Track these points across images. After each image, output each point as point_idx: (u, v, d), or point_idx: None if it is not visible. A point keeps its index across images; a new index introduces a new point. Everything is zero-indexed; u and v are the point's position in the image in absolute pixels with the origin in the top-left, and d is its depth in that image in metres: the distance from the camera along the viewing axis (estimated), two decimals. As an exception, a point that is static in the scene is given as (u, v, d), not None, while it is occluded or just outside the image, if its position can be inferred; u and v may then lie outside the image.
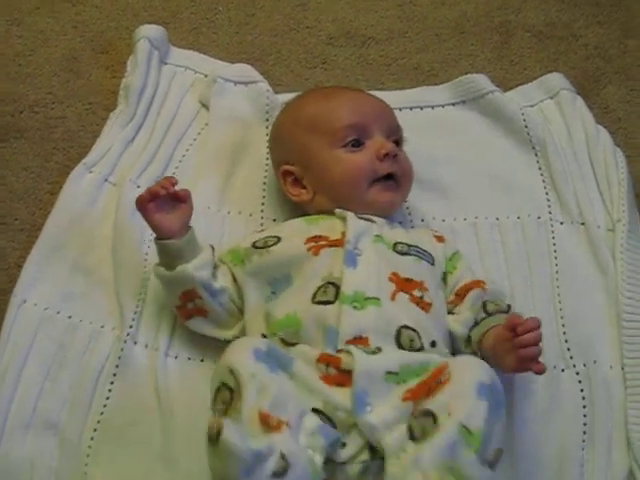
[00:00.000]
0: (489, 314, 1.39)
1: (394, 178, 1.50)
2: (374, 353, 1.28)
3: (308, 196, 1.53)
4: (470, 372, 1.22)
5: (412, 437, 1.19)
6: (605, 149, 1.72)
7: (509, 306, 1.41)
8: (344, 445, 1.24)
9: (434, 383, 1.23)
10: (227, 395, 1.21)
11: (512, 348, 1.26)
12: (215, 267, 1.45)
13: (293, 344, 1.31)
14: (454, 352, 1.40)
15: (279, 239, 1.45)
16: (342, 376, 1.26)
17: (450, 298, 1.44)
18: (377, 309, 1.33)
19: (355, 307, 1.32)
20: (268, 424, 1.16)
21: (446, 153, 1.73)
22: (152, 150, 1.69)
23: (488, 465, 1.18)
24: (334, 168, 1.49)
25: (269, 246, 1.44)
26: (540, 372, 1.27)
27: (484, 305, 1.40)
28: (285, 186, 1.56)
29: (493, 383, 1.21)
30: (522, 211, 1.66)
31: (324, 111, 1.52)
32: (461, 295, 1.43)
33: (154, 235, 1.44)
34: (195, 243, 1.44)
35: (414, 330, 1.33)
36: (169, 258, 1.42)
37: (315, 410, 1.24)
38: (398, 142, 1.55)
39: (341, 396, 1.25)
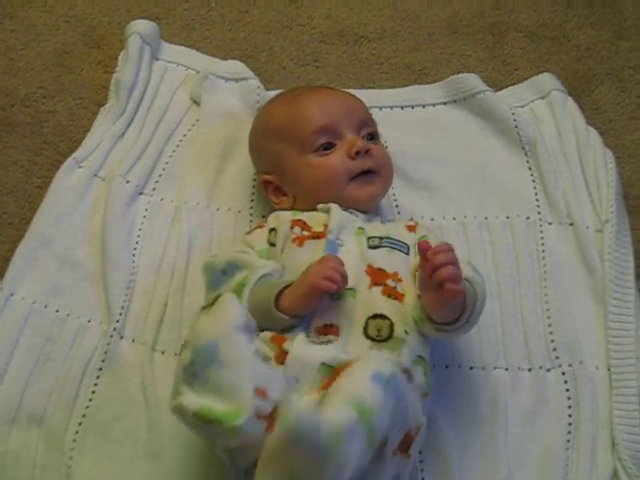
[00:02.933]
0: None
1: (372, 170, 1.49)
2: (323, 343, 1.29)
3: (289, 203, 1.53)
4: (370, 363, 1.20)
5: None
6: (595, 150, 1.72)
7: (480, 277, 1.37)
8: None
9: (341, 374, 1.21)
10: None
11: (429, 278, 1.26)
12: None
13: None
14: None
15: (276, 231, 1.45)
16: (282, 356, 1.27)
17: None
18: (352, 301, 1.33)
19: (332, 297, 1.32)
20: None
21: (436, 152, 1.73)
22: (142, 145, 1.69)
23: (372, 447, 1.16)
24: (309, 174, 1.49)
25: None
26: (457, 293, 1.25)
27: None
28: (267, 195, 1.56)
29: (391, 375, 1.18)
30: (511, 211, 1.66)
31: (291, 118, 1.52)
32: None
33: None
34: None
35: (386, 318, 1.32)
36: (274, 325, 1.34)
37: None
38: (373, 135, 1.54)
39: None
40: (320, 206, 1.47)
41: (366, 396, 1.14)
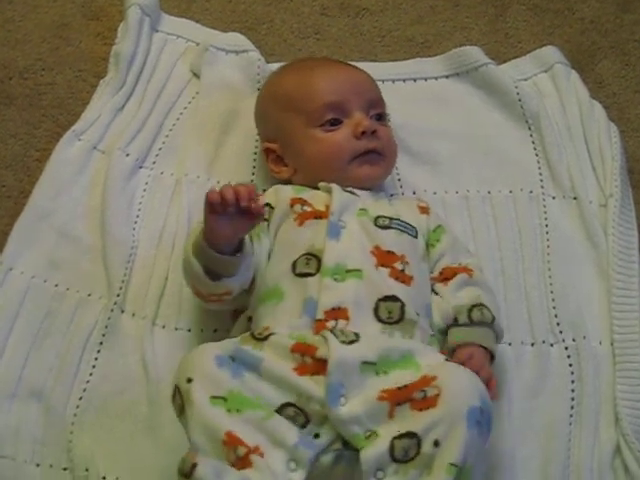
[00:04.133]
0: (472, 322, 1.37)
1: (376, 151, 1.48)
2: (352, 342, 1.25)
3: (289, 173, 1.52)
4: (461, 393, 1.18)
5: (393, 457, 1.16)
6: (599, 124, 1.71)
7: (494, 318, 1.38)
8: (317, 436, 1.21)
9: (419, 393, 1.18)
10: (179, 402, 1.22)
11: None
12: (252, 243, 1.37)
13: (266, 337, 1.27)
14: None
15: (274, 209, 1.44)
16: (318, 365, 1.23)
17: (435, 274, 1.43)
18: (357, 281, 1.32)
19: (336, 279, 1.31)
20: (236, 453, 1.15)
21: (439, 126, 1.72)
22: (142, 118, 1.68)
23: None
24: (312, 148, 1.47)
25: (270, 222, 1.42)
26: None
27: (471, 310, 1.37)
28: (267, 163, 1.55)
29: (483, 404, 1.18)
30: (514, 185, 1.65)
31: (301, 89, 1.50)
32: (447, 277, 1.42)
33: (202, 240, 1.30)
34: (247, 254, 1.33)
35: (397, 300, 1.32)
36: (216, 268, 1.30)
37: (288, 404, 1.21)
38: (381, 115, 1.53)
39: (315, 386, 1.22)
40: (322, 184, 1.46)
41: (465, 457, 1.14)
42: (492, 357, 1.35)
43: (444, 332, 1.38)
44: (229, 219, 1.26)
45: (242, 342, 1.26)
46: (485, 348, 1.34)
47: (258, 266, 1.38)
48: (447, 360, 1.27)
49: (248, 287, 1.38)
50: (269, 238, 1.42)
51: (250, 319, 1.38)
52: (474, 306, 1.37)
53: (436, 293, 1.41)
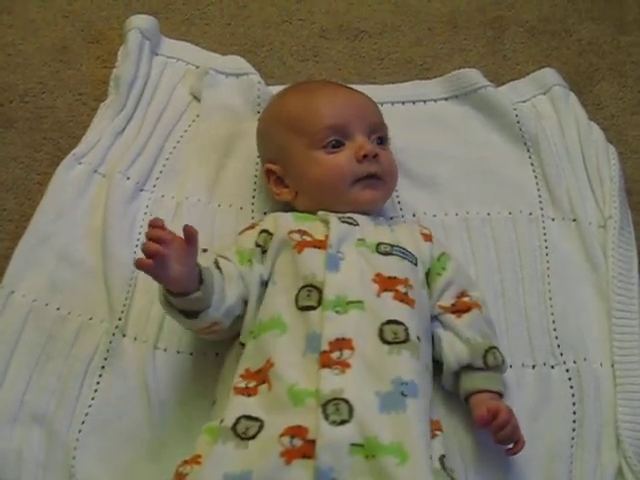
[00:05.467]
0: (487, 366, 1.38)
1: (376, 176, 1.48)
2: (343, 422, 1.20)
3: (290, 195, 1.52)
4: None
5: None
6: (597, 145, 1.71)
7: (504, 361, 1.40)
8: None
9: None
10: None
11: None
12: (220, 272, 1.36)
13: (253, 436, 1.23)
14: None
15: (272, 236, 1.43)
16: (307, 446, 1.19)
17: (444, 304, 1.44)
18: (360, 312, 1.31)
19: (337, 311, 1.31)
20: None
21: (438, 148, 1.73)
22: (142, 142, 1.68)
23: None
24: (313, 170, 1.47)
25: (267, 249, 1.41)
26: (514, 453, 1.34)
27: (485, 355, 1.38)
28: (269, 185, 1.55)
29: None
30: (513, 207, 1.65)
31: (304, 111, 1.50)
32: (460, 309, 1.43)
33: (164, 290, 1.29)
34: (209, 281, 1.30)
35: (400, 323, 1.32)
36: (190, 308, 1.30)
37: None
38: (382, 139, 1.53)
39: (303, 474, 1.18)
40: (320, 213, 1.46)
41: None
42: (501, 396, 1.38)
43: (454, 374, 1.40)
44: (172, 260, 1.23)
45: (224, 439, 1.23)
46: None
47: (249, 291, 1.38)
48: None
49: (240, 313, 1.37)
50: (265, 265, 1.41)
51: (243, 345, 1.37)
52: (489, 349, 1.39)
53: (445, 323, 1.42)
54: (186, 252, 1.25)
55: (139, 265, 1.21)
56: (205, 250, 1.40)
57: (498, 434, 1.31)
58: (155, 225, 1.24)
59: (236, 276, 1.37)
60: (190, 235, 1.25)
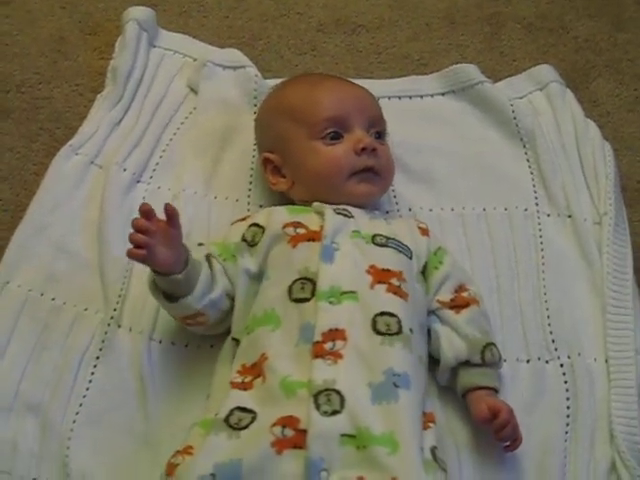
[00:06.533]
0: (484, 363, 1.39)
1: (373, 170, 1.49)
2: (334, 413, 1.21)
3: (286, 185, 1.52)
4: None
5: None
6: (593, 142, 1.72)
7: (500, 357, 1.41)
8: None
9: None
10: None
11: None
12: (210, 266, 1.40)
13: (245, 427, 1.23)
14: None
15: (263, 230, 1.43)
16: (299, 436, 1.20)
17: (442, 298, 1.44)
18: (353, 303, 1.32)
19: (331, 302, 1.31)
20: None
21: (434, 143, 1.73)
22: (139, 133, 1.68)
23: None
24: (311, 160, 1.48)
25: (257, 243, 1.42)
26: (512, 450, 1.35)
27: (483, 351, 1.39)
28: (265, 174, 1.55)
29: None
30: (509, 203, 1.66)
31: (305, 102, 1.51)
32: (459, 305, 1.43)
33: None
34: (195, 269, 1.35)
35: (393, 315, 1.32)
36: (171, 290, 1.35)
37: None
38: (381, 133, 1.54)
39: (294, 465, 1.18)
40: (315, 205, 1.46)
41: None
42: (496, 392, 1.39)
43: (453, 369, 1.41)
44: (158, 245, 1.29)
45: (217, 430, 1.24)
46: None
47: (235, 286, 1.40)
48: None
49: (226, 308, 1.40)
50: (255, 259, 1.42)
51: (237, 341, 1.38)
52: (486, 345, 1.40)
53: (443, 319, 1.43)
54: (171, 234, 1.31)
55: (130, 255, 1.29)
56: (201, 244, 1.45)
57: (499, 433, 1.32)
58: (143, 211, 1.29)
59: (220, 271, 1.40)
60: (171, 216, 1.30)
